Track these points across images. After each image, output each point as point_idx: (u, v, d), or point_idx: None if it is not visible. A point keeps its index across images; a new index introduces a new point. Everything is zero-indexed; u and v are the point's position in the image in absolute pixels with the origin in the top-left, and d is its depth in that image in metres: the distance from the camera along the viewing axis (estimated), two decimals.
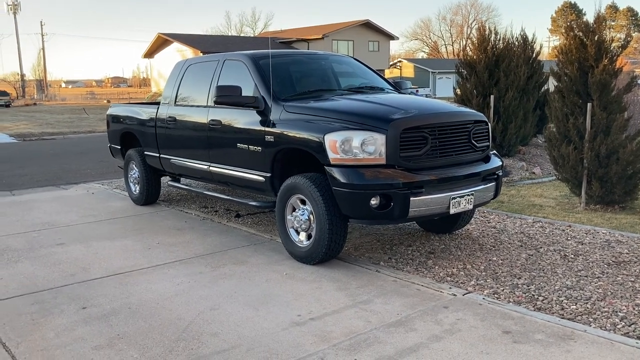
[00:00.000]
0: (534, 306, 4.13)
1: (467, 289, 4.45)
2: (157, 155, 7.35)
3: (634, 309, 4.04)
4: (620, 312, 3.99)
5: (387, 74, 56.27)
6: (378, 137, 4.61)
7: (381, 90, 6.28)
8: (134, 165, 7.92)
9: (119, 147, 8.41)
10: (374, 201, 4.58)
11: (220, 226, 6.60)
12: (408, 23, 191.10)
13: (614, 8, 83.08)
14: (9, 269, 5.18)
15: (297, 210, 5.14)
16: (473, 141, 5.14)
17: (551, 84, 10.54)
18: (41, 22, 68.08)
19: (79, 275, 4.97)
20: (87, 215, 7.30)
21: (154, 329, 3.82)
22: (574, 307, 4.10)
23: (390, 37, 56.83)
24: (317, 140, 4.83)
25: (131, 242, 5.98)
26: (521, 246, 5.59)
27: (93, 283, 4.76)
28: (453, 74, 13.17)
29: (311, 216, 4.98)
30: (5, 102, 45.95)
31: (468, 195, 4.94)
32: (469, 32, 76.94)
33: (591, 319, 3.89)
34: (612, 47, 7.55)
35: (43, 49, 69.03)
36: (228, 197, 6.49)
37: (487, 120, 5.41)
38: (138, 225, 6.73)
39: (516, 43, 12.17)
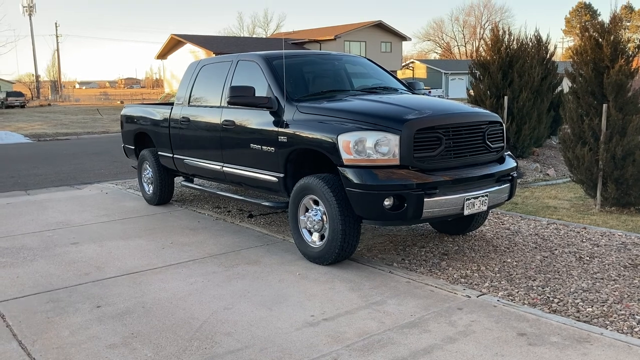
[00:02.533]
0: (549, 308, 4.09)
1: (481, 291, 4.42)
2: (171, 155, 7.38)
3: None
4: (637, 315, 3.94)
5: (400, 74, 56.16)
6: (392, 137, 4.60)
7: (394, 90, 6.26)
8: (147, 166, 7.97)
9: (133, 148, 8.46)
10: (387, 202, 4.56)
11: (233, 226, 6.62)
12: (420, 24, 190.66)
13: (629, 8, 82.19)
14: (24, 267, 5.22)
15: (310, 210, 5.14)
16: (487, 142, 5.11)
17: (565, 85, 10.46)
18: (56, 23, 68.64)
19: (93, 274, 5.00)
20: (101, 215, 7.35)
21: (167, 328, 3.84)
22: (590, 309, 4.05)
23: (403, 37, 56.72)
24: (330, 140, 4.82)
25: (145, 242, 6.01)
26: (536, 248, 5.54)
27: (107, 282, 4.78)
28: (466, 74, 13.14)
29: (324, 217, 4.97)
30: (20, 102, 46.53)
31: (482, 196, 4.91)
32: (482, 33, 76.68)
33: (608, 322, 3.84)
34: (628, 48, 7.48)
35: (57, 50, 69.77)
36: (241, 197, 6.51)
37: (501, 121, 5.37)
38: (151, 225, 6.76)
39: (530, 44, 12.09)
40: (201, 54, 43.97)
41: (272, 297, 4.36)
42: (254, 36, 77.67)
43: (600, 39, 7.62)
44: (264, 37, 73.90)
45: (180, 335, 3.72)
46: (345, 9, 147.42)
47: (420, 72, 63.65)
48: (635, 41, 7.85)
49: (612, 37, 7.52)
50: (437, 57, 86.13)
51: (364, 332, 3.72)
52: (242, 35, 77.05)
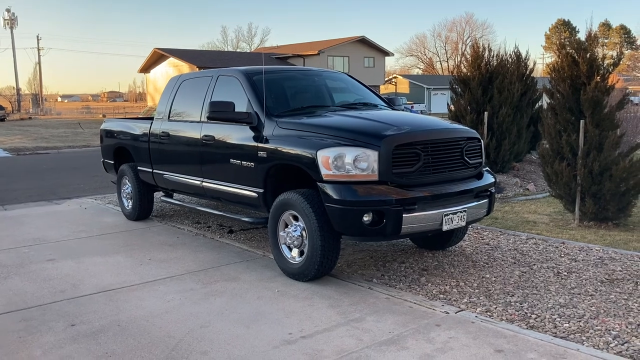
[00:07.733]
0: (526, 324, 4.10)
1: (459, 307, 4.42)
2: (150, 170, 7.32)
3: (627, 327, 4.02)
4: (613, 330, 3.97)
5: (383, 89, 56.58)
6: (370, 153, 4.61)
7: (374, 106, 6.29)
8: (127, 181, 7.89)
9: (112, 162, 8.38)
10: (366, 218, 4.56)
11: (213, 242, 6.56)
12: (403, 39, 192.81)
13: (607, 26, 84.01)
14: None
15: (289, 226, 5.12)
16: (466, 158, 5.14)
17: (545, 101, 10.59)
18: (37, 36, 68.23)
19: (69, 291, 4.92)
20: (79, 231, 7.25)
21: (142, 347, 3.77)
22: (567, 325, 4.07)
23: (386, 53, 57.20)
24: (309, 156, 4.82)
25: (123, 258, 5.93)
26: (514, 263, 5.57)
27: (83, 300, 4.70)
28: (448, 90, 13.25)
29: (304, 232, 4.95)
30: (0, 116, 45.96)
31: (461, 212, 4.93)
32: (463, 49, 77.56)
33: (584, 338, 3.86)
34: (604, 65, 7.60)
35: (39, 63, 69.18)
36: (221, 213, 6.46)
37: (479, 137, 5.42)
38: (130, 241, 6.68)
39: (510, 60, 12.23)
40: (184, 68, 43.90)
41: (250, 314, 4.32)
42: (238, 50, 77.85)
43: (576, 56, 7.73)
44: (248, 51, 74.04)
45: (156, 355, 3.66)
46: (329, 25, 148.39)
47: (403, 87, 64.20)
48: (612, 58, 7.96)
49: (588, 55, 7.63)
50: (420, 72, 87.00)
51: (342, 349, 3.69)
52: (226, 50, 77.16)
